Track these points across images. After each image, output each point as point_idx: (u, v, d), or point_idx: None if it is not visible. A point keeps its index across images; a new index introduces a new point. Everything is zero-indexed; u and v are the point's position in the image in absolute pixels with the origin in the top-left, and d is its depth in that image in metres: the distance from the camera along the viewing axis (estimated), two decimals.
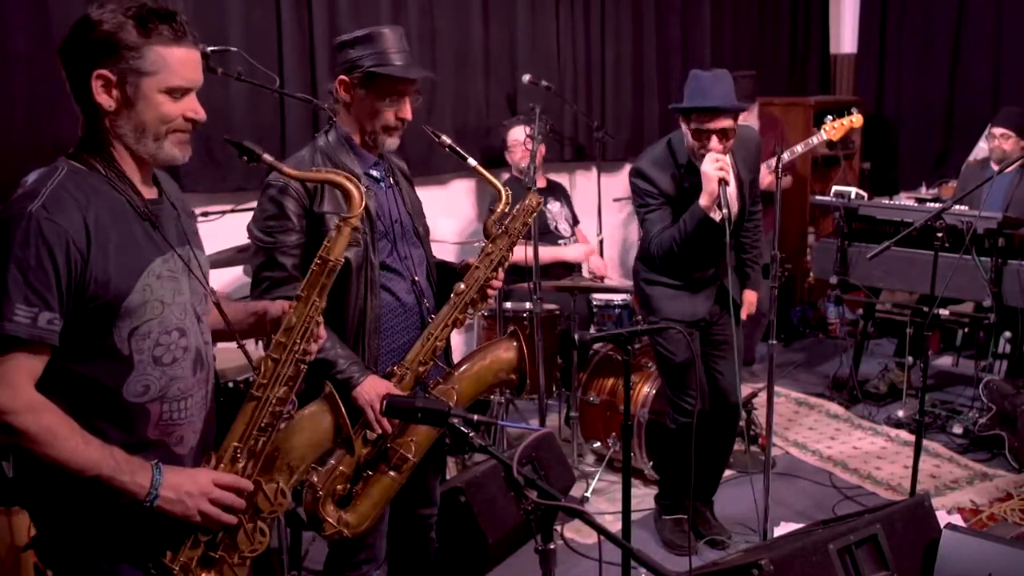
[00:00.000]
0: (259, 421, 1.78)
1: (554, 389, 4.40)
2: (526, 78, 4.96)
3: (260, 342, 2.37)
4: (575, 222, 4.95)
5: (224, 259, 3.39)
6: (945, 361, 5.51)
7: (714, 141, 3.07)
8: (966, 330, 5.07)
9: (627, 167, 5.50)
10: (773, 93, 6.25)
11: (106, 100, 1.63)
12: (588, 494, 3.89)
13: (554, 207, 4.77)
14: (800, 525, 3.27)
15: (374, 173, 2.42)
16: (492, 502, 3.03)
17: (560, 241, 4.77)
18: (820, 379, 5.45)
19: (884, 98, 6.83)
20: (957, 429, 4.49)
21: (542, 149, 4.40)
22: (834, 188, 5.08)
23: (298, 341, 1.79)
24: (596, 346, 4.31)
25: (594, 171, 5.40)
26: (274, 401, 1.78)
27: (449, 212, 5.05)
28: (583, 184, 5.63)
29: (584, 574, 3.32)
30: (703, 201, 3.07)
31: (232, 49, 3.39)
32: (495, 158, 4.79)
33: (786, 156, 4.63)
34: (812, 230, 6.40)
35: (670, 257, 3.24)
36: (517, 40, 5.16)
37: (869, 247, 4.18)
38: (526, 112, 4.68)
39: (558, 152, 5.44)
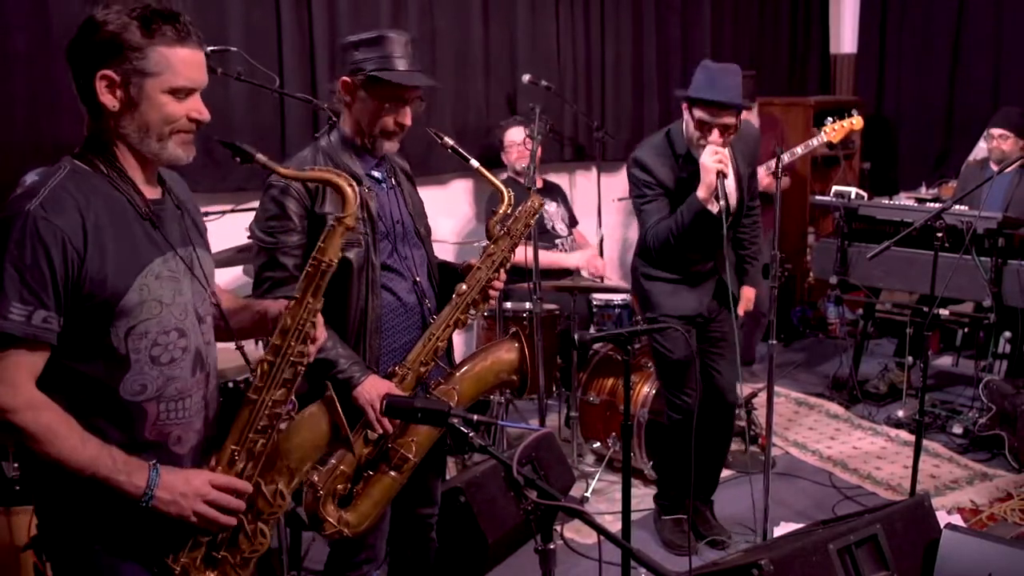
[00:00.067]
0: (256, 423, 1.78)
1: (554, 389, 4.40)
2: (526, 78, 4.96)
3: (260, 342, 2.37)
4: (573, 223, 4.95)
5: (224, 259, 3.39)
6: (945, 361, 5.51)
7: (715, 134, 3.06)
8: (966, 330, 5.07)
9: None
10: (773, 93, 6.25)
11: (110, 100, 1.64)
12: (588, 494, 3.89)
13: (551, 207, 4.77)
14: (800, 525, 3.27)
15: (376, 174, 2.42)
16: (492, 502, 3.03)
17: (557, 241, 4.78)
18: (820, 379, 5.45)
19: (884, 98, 6.83)
20: (957, 429, 4.49)
21: (539, 150, 4.40)
22: (834, 188, 5.08)
23: (293, 343, 1.78)
24: (596, 346, 4.32)
25: (594, 171, 5.40)
26: (270, 403, 1.78)
27: (449, 212, 5.05)
28: (583, 184, 5.63)
29: (584, 574, 3.32)
30: (701, 193, 3.06)
31: (232, 49, 3.40)
32: (495, 158, 4.79)
33: (786, 158, 4.63)
34: (812, 230, 6.39)
35: (666, 249, 3.22)
36: (517, 40, 5.16)
37: (869, 247, 4.18)
38: (526, 112, 4.69)
39: (558, 152, 5.44)
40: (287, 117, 4.30)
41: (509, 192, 2.49)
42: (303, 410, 1.93)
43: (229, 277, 3.94)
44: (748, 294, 3.69)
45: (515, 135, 4.68)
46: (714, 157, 3.02)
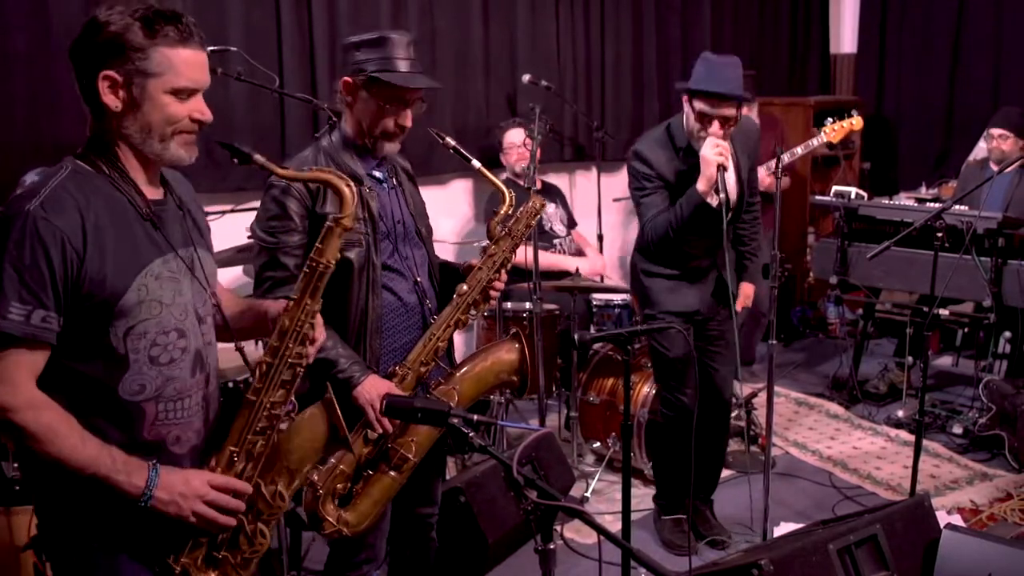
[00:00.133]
0: (255, 425, 1.78)
1: (554, 389, 4.40)
2: (526, 78, 4.96)
3: (260, 343, 2.37)
4: (571, 224, 4.95)
5: (224, 259, 3.38)
6: (945, 361, 5.51)
7: (715, 126, 3.05)
8: (966, 330, 5.07)
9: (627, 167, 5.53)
10: (773, 93, 6.25)
11: (112, 101, 1.64)
12: (588, 494, 3.89)
13: (549, 208, 4.77)
14: (800, 525, 3.27)
15: (377, 174, 2.43)
16: (492, 502, 3.03)
17: (556, 241, 4.78)
18: (820, 379, 5.45)
19: (884, 98, 6.83)
20: (957, 429, 4.49)
21: (538, 150, 4.40)
22: (834, 188, 5.08)
23: (291, 345, 1.78)
24: (596, 346, 4.32)
25: (594, 171, 5.40)
26: (269, 405, 1.78)
27: (449, 212, 5.05)
28: (583, 184, 5.63)
29: (584, 574, 3.32)
30: (701, 186, 3.04)
31: (232, 49, 3.40)
32: (494, 159, 4.79)
33: (786, 158, 4.62)
34: (812, 230, 6.39)
35: (665, 242, 3.21)
36: (517, 40, 5.16)
37: (869, 247, 4.18)
38: (525, 112, 4.69)
39: (558, 152, 5.44)
40: (287, 117, 4.30)
41: (511, 192, 2.49)
42: (303, 411, 1.93)
43: (229, 277, 3.94)
44: (747, 290, 3.68)
45: (514, 137, 4.68)
46: (715, 149, 3.01)
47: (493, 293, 2.45)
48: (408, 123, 2.37)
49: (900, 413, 4.72)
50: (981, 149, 5.22)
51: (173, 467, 1.70)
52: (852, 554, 2.62)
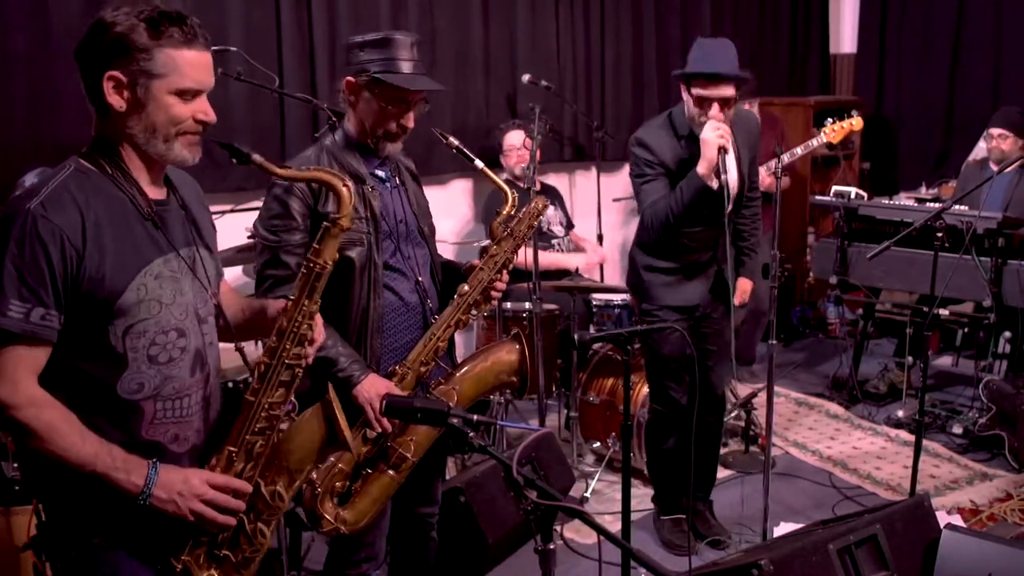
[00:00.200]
0: (253, 425, 1.78)
1: (554, 389, 4.40)
2: (526, 78, 4.96)
3: (260, 343, 2.37)
4: (569, 226, 4.95)
5: (224, 259, 3.35)
6: (945, 361, 5.51)
7: (715, 109, 3.04)
8: (966, 330, 5.07)
9: (627, 167, 5.53)
10: (773, 93, 6.24)
11: (117, 101, 1.65)
12: (588, 494, 3.89)
13: (548, 209, 4.76)
14: (800, 525, 3.27)
15: (379, 173, 2.43)
16: (492, 502, 3.03)
17: (554, 242, 4.78)
18: (820, 379, 5.45)
19: (884, 98, 6.83)
20: (957, 429, 4.49)
21: (538, 151, 4.40)
22: (834, 188, 5.08)
23: (288, 345, 1.78)
24: (596, 346, 4.31)
25: (594, 171, 5.40)
26: (267, 405, 1.78)
27: (448, 212, 5.05)
28: (583, 184, 5.63)
29: (584, 574, 3.32)
30: (701, 168, 3.02)
31: (232, 49, 3.40)
32: (494, 160, 4.80)
33: (786, 158, 4.62)
34: (812, 230, 6.40)
35: (665, 229, 3.17)
36: (517, 40, 5.16)
37: (869, 247, 4.18)
38: (525, 112, 4.69)
39: (558, 152, 5.44)
40: (287, 117, 4.30)
41: (513, 193, 2.49)
42: (303, 412, 1.93)
43: (229, 277, 3.90)
44: (744, 286, 3.68)
45: (514, 139, 4.68)
46: (716, 132, 2.99)
47: (494, 294, 2.45)
48: (410, 124, 2.37)
49: (900, 413, 4.72)
50: (981, 149, 5.22)
51: (173, 466, 1.71)
52: (852, 554, 2.62)
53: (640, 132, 3.29)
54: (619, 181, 5.77)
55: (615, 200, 5.62)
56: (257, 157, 1.78)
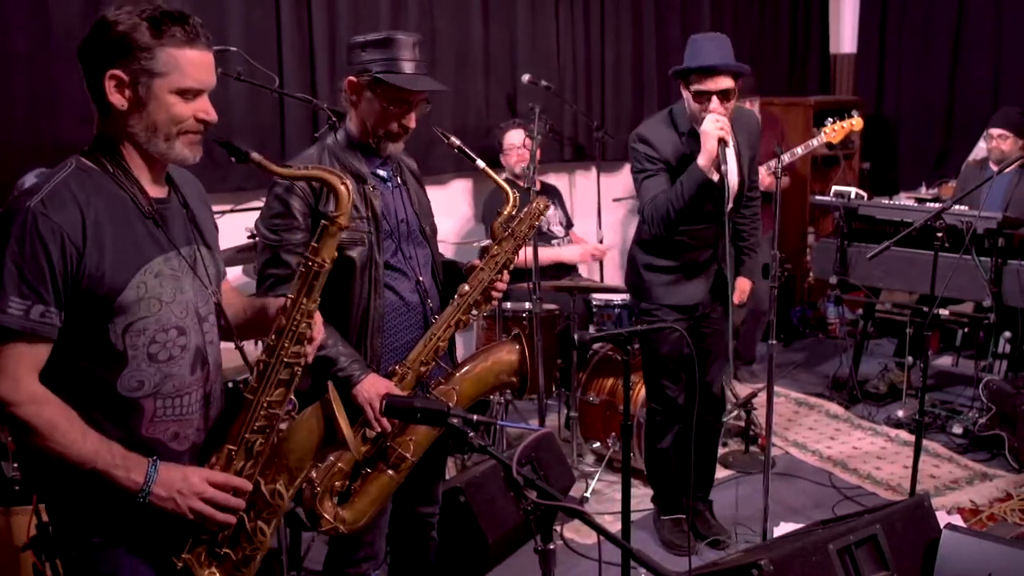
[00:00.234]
0: (252, 423, 1.78)
1: (554, 389, 4.40)
2: (526, 78, 4.96)
3: (259, 342, 2.38)
4: (569, 225, 4.95)
5: (224, 259, 3.37)
6: (945, 361, 5.51)
7: (715, 103, 3.04)
8: (966, 330, 5.07)
9: (627, 167, 5.53)
10: (773, 93, 6.25)
11: (119, 100, 1.65)
12: (588, 494, 3.89)
13: (548, 209, 4.76)
14: (800, 525, 3.27)
15: (381, 172, 2.43)
16: (492, 502, 3.04)
17: (554, 242, 4.78)
18: (820, 379, 5.45)
19: (884, 98, 6.83)
20: (957, 429, 4.49)
21: (538, 150, 4.40)
22: (834, 188, 5.08)
23: (287, 344, 1.79)
24: (595, 346, 4.31)
25: (594, 171, 5.40)
26: (266, 404, 1.78)
27: (448, 212, 5.05)
28: (583, 184, 5.63)
29: (584, 574, 3.32)
30: (702, 161, 3.01)
31: (232, 49, 3.40)
32: (494, 159, 4.80)
33: (786, 158, 4.62)
34: (812, 230, 6.40)
35: (665, 223, 3.15)
36: (517, 40, 5.16)
37: (869, 247, 4.18)
38: (525, 112, 4.69)
39: (558, 152, 5.44)
40: (287, 117, 4.30)
41: (514, 193, 2.50)
42: (303, 411, 1.93)
43: (229, 277, 3.93)
44: (743, 285, 3.68)
45: (514, 138, 4.68)
46: (716, 124, 2.99)
47: (495, 294, 2.45)
48: (412, 124, 2.37)
49: (900, 413, 4.72)
50: (981, 149, 5.22)
51: (173, 464, 1.71)
52: (852, 554, 2.63)
53: (641, 128, 3.29)
54: (619, 181, 5.77)
55: (615, 200, 5.62)
56: (256, 155, 1.78)
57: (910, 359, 4.88)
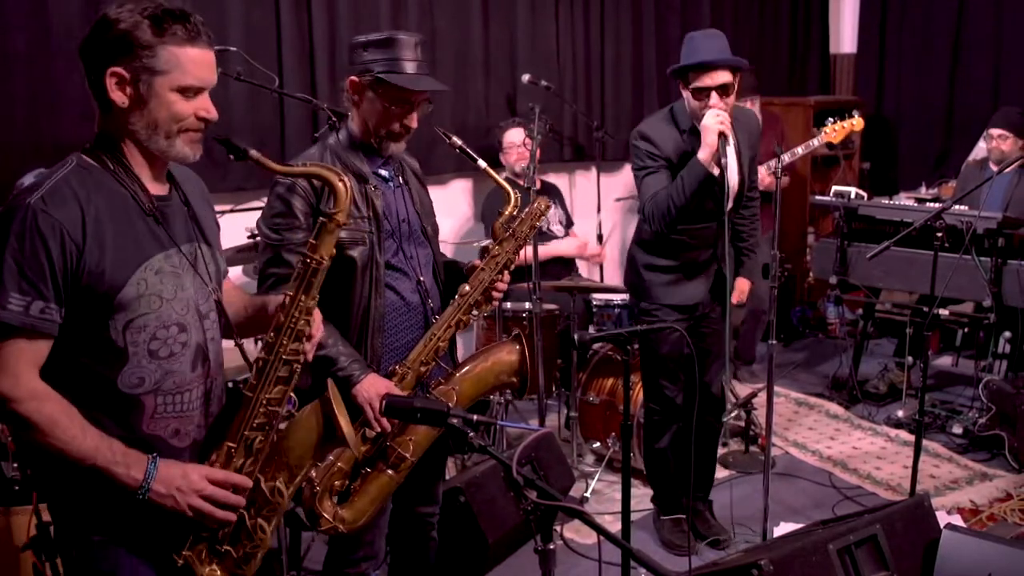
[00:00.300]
0: (252, 420, 1.78)
1: (554, 389, 4.40)
2: (526, 78, 4.96)
3: (259, 341, 2.38)
4: (569, 224, 4.96)
5: (224, 258, 3.39)
6: (945, 361, 5.51)
7: (714, 98, 3.04)
8: (966, 330, 5.07)
9: (627, 167, 5.53)
10: (773, 93, 6.25)
11: (120, 97, 1.66)
12: (588, 494, 3.89)
13: (550, 210, 4.76)
14: (800, 525, 3.27)
15: (383, 172, 2.43)
16: (492, 502, 3.04)
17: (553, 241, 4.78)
18: (820, 379, 5.45)
19: (884, 98, 6.83)
20: (957, 429, 4.49)
21: (537, 150, 4.41)
22: (834, 188, 5.08)
23: (285, 341, 1.79)
24: (595, 346, 4.31)
25: (594, 171, 5.40)
26: (265, 401, 1.79)
27: (448, 212, 5.05)
28: (583, 184, 5.63)
29: (584, 574, 3.32)
30: (702, 155, 3.01)
31: (232, 49, 3.40)
32: (494, 158, 4.80)
33: (786, 158, 4.62)
34: (812, 230, 6.40)
35: (666, 219, 3.14)
36: (517, 40, 5.16)
37: (869, 247, 4.18)
38: (525, 112, 4.69)
39: (557, 152, 5.44)
40: (287, 117, 4.30)
41: (516, 194, 2.50)
42: (303, 408, 1.93)
43: (230, 277, 3.95)
44: (742, 286, 3.68)
45: (514, 136, 4.69)
46: (716, 118, 2.99)
47: (495, 294, 2.45)
48: (414, 124, 2.37)
49: (900, 413, 4.72)
50: (981, 149, 5.22)
51: (173, 461, 1.71)
52: (852, 554, 2.63)
53: (642, 126, 3.29)
54: (619, 181, 5.77)
55: (615, 200, 5.62)
56: (254, 152, 1.78)
57: (910, 359, 4.88)
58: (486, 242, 2.49)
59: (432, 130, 2.89)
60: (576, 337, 3.05)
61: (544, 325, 4.06)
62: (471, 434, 1.73)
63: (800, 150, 4.87)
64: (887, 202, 5.10)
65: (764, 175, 4.77)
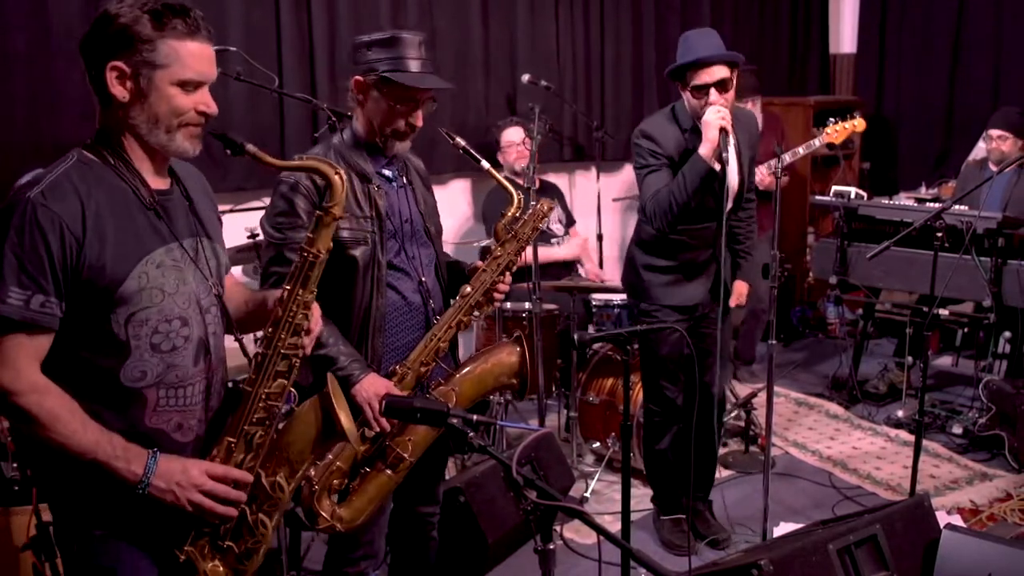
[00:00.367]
0: (252, 415, 1.79)
1: (553, 389, 4.40)
2: (526, 78, 4.96)
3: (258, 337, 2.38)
4: (569, 223, 4.96)
5: None
6: (945, 361, 5.51)
7: (713, 94, 3.04)
8: (966, 330, 5.07)
9: (627, 167, 5.53)
10: (773, 93, 6.24)
11: (120, 91, 1.66)
12: (587, 494, 3.89)
13: (552, 211, 4.76)
14: (800, 525, 3.27)
15: (387, 172, 2.43)
16: (492, 502, 3.04)
17: (553, 240, 4.79)
18: (820, 379, 5.45)
19: (884, 98, 6.84)
20: (957, 429, 4.49)
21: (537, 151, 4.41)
22: (834, 188, 5.08)
23: (283, 335, 1.79)
24: (595, 346, 4.31)
25: (593, 171, 5.40)
26: (264, 396, 1.79)
27: (448, 212, 5.02)
28: (582, 184, 5.63)
29: (584, 574, 3.32)
30: (704, 150, 3.01)
31: (232, 49, 3.40)
32: (491, 157, 4.80)
33: (787, 158, 4.62)
34: (812, 230, 6.40)
35: (667, 217, 3.13)
36: (517, 40, 5.16)
37: (869, 247, 4.18)
38: (525, 112, 4.69)
39: (557, 152, 5.44)
40: (286, 117, 4.31)
41: (519, 195, 2.50)
42: (302, 403, 1.93)
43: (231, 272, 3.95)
44: (740, 288, 3.68)
45: (513, 135, 4.69)
46: (717, 114, 3.00)
47: (497, 295, 2.45)
48: (419, 123, 2.38)
49: (900, 413, 4.72)
50: (981, 149, 5.22)
51: (174, 456, 1.71)
52: (852, 554, 2.63)
53: (644, 124, 3.29)
54: (619, 181, 5.77)
55: (615, 200, 5.62)
56: (250, 147, 1.79)
57: (910, 359, 4.88)
58: (487, 242, 2.49)
59: (432, 130, 2.89)
60: (576, 337, 3.05)
61: (544, 325, 4.06)
62: (471, 434, 1.73)
63: (801, 150, 4.87)
64: (887, 202, 5.09)
65: (764, 175, 4.77)
